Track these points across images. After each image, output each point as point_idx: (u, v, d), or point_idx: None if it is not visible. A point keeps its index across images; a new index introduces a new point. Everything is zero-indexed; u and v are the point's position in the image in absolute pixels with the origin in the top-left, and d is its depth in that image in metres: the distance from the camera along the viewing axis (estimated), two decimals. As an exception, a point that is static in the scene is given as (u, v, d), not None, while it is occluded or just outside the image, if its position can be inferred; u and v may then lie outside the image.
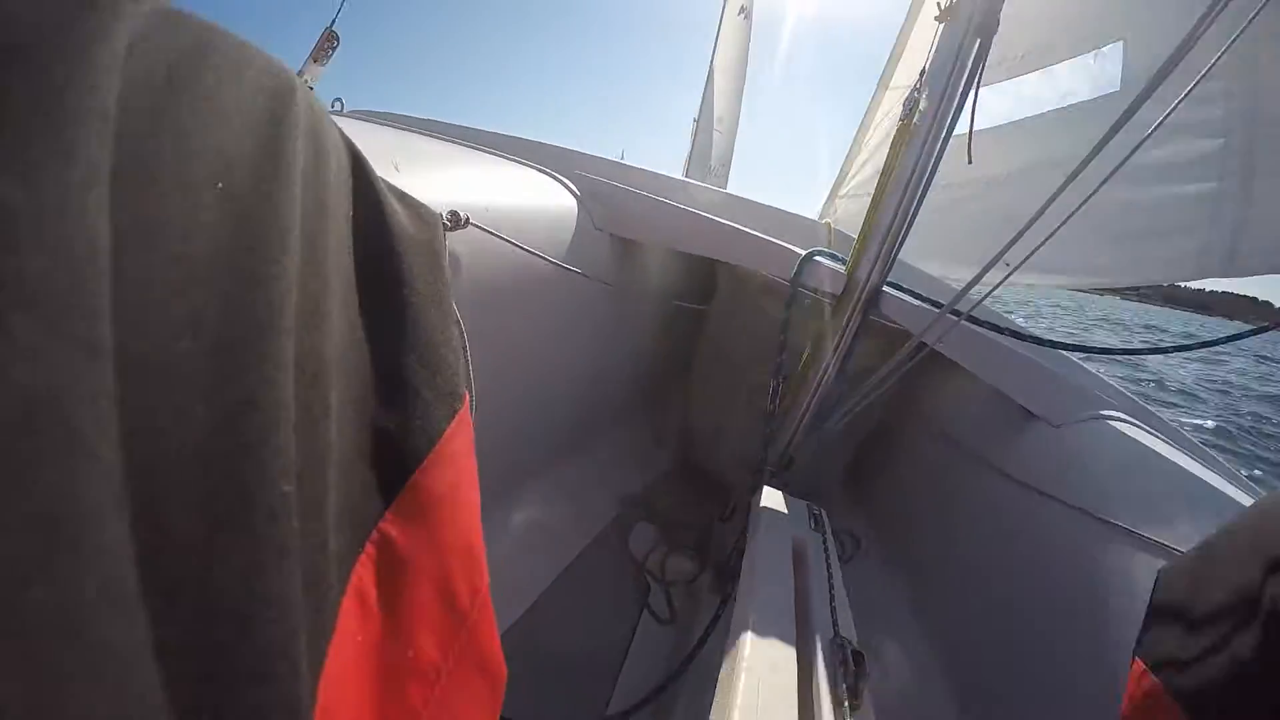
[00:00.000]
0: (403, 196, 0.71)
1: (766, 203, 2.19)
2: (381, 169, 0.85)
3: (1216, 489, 1.35)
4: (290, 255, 0.45)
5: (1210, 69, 1.36)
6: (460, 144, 1.78)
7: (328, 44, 1.76)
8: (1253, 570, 0.70)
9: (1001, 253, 1.36)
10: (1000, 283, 1.45)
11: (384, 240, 0.62)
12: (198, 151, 0.40)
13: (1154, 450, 1.47)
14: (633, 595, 1.69)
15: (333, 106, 2.03)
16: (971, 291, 1.40)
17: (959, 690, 1.51)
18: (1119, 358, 1.81)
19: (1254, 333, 1.36)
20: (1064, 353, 1.95)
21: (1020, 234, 1.35)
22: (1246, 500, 1.34)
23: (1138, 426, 1.67)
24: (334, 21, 1.76)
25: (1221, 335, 1.39)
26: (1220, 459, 1.91)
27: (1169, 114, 1.35)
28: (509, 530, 1.56)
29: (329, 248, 0.52)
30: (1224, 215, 1.96)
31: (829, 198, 2.71)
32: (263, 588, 0.38)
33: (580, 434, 1.96)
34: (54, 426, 0.28)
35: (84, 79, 0.31)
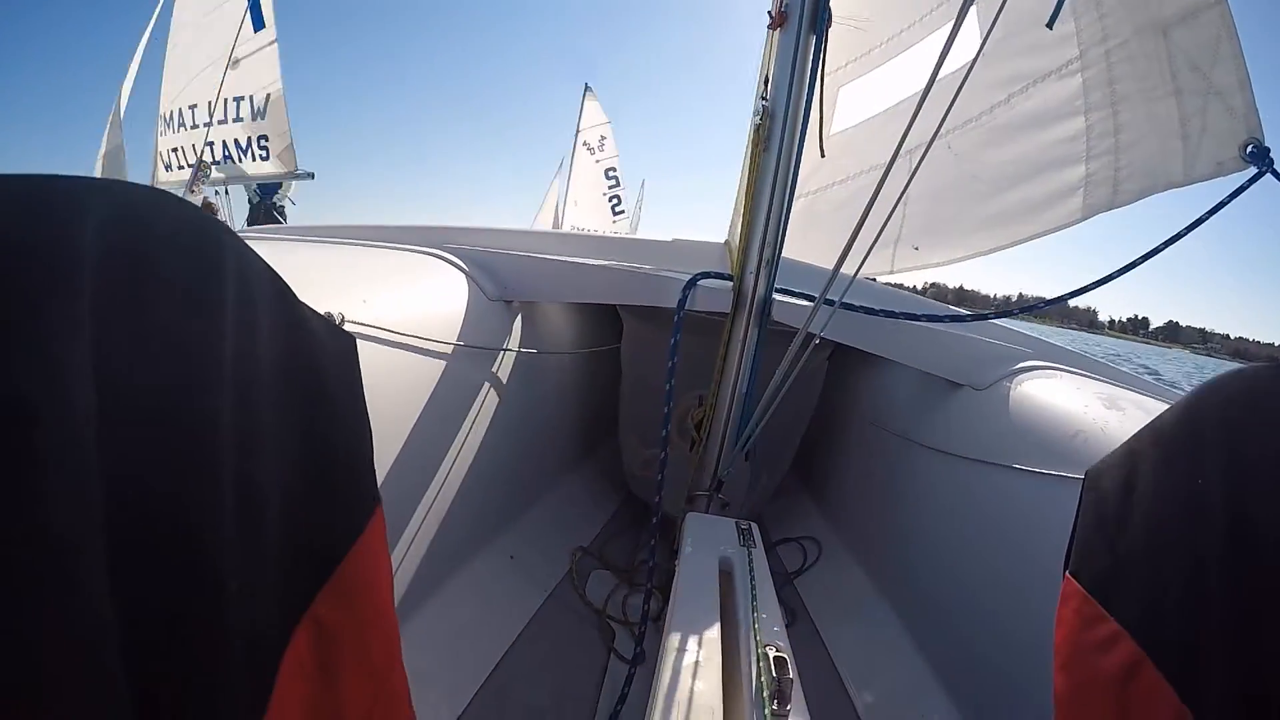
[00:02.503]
0: (320, 317, 0.77)
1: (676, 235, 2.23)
2: None
3: (1148, 415, 1.36)
4: (223, 395, 0.55)
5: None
6: (340, 242, 1.82)
7: (200, 173, 1.81)
8: (1189, 455, 0.69)
9: (854, 233, 1.38)
10: (862, 262, 1.48)
11: (307, 361, 0.71)
12: (150, 324, 0.50)
13: (1080, 394, 1.48)
14: (597, 642, 1.68)
15: None
16: (841, 277, 1.42)
17: (935, 664, 1.51)
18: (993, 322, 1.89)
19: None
20: (981, 317, 1.98)
21: (867, 210, 1.38)
22: None
23: (1064, 372, 1.69)
24: (201, 153, 1.82)
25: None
26: (1155, 381, 1.92)
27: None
28: (463, 602, 1.55)
29: (260, 377, 0.61)
30: (1098, 148, 2.00)
31: (733, 216, 2.76)
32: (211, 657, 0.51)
33: (521, 497, 1.97)
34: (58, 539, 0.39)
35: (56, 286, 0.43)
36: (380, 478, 1.21)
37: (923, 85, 2.52)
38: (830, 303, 1.45)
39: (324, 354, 0.74)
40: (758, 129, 1.55)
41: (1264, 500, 0.59)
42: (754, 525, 1.39)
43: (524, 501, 1.98)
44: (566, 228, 12.27)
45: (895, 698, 1.53)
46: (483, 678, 1.45)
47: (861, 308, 1.61)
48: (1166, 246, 1.60)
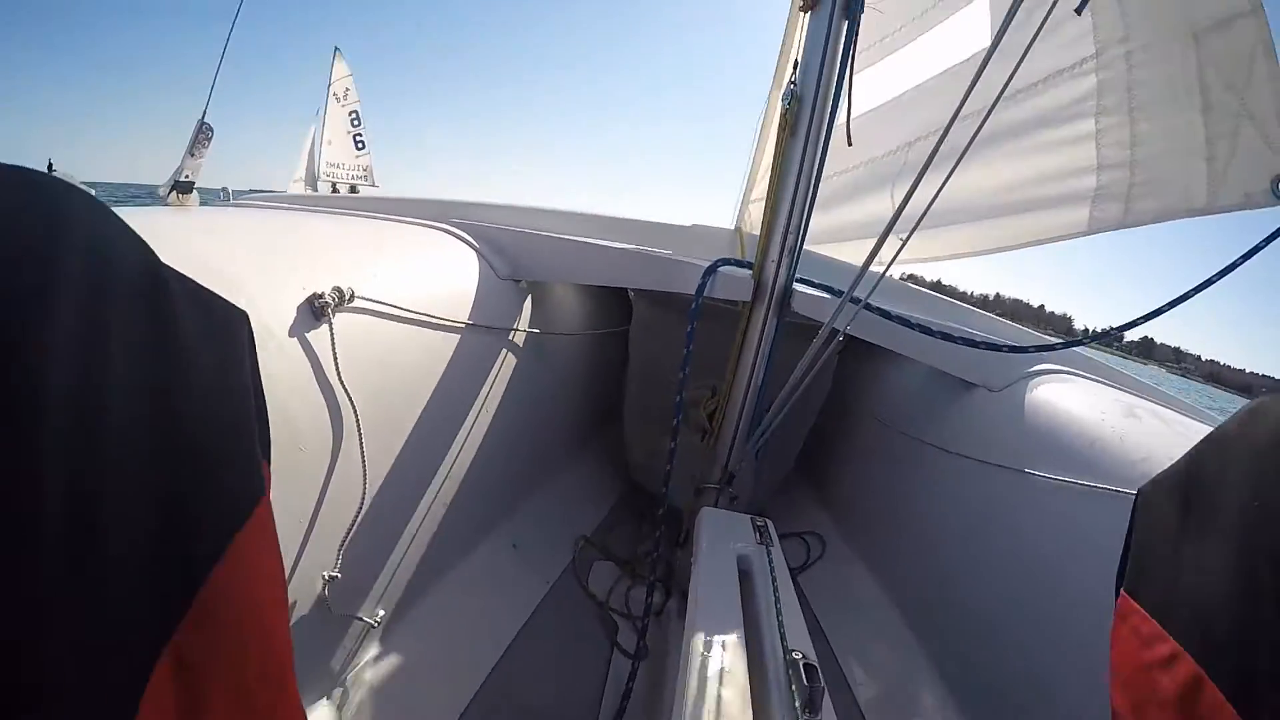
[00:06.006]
0: (197, 293, 0.67)
1: (677, 219, 2.19)
2: (259, 256, 1.00)
3: (1166, 426, 1.36)
4: (53, 388, 0.46)
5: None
6: (348, 213, 1.75)
7: (202, 136, 1.73)
8: (1245, 479, 0.68)
9: (888, 230, 1.35)
10: (893, 259, 1.45)
11: (166, 355, 0.60)
12: None
13: (1098, 401, 1.47)
14: (600, 635, 1.64)
15: (220, 196, 2.01)
16: (870, 273, 1.39)
17: (938, 662, 1.50)
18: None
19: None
20: (995, 317, 1.95)
21: (901, 207, 1.34)
22: (1201, 430, 1.32)
23: (1081, 378, 1.67)
24: (205, 113, 1.73)
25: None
26: (1171, 393, 1.91)
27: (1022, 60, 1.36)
28: (466, 591, 1.51)
29: (110, 370, 0.52)
30: (1111, 158, 1.93)
31: (741, 203, 2.71)
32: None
33: (524, 483, 1.92)
34: None
35: None
36: (386, 461, 1.18)
37: (931, 75, 2.48)
38: (856, 301, 1.42)
39: (188, 332, 0.64)
40: (784, 114, 1.50)
41: None
42: (769, 523, 1.36)
43: (527, 488, 1.94)
44: (321, 164, 15.60)
45: (898, 695, 1.53)
46: (487, 670, 1.42)
47: (885, 311, 1.58)
48: (1202, 289, 1.39)
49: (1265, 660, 0.60)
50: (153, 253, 0.60)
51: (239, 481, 0.68)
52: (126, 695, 0.50)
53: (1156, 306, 1.45)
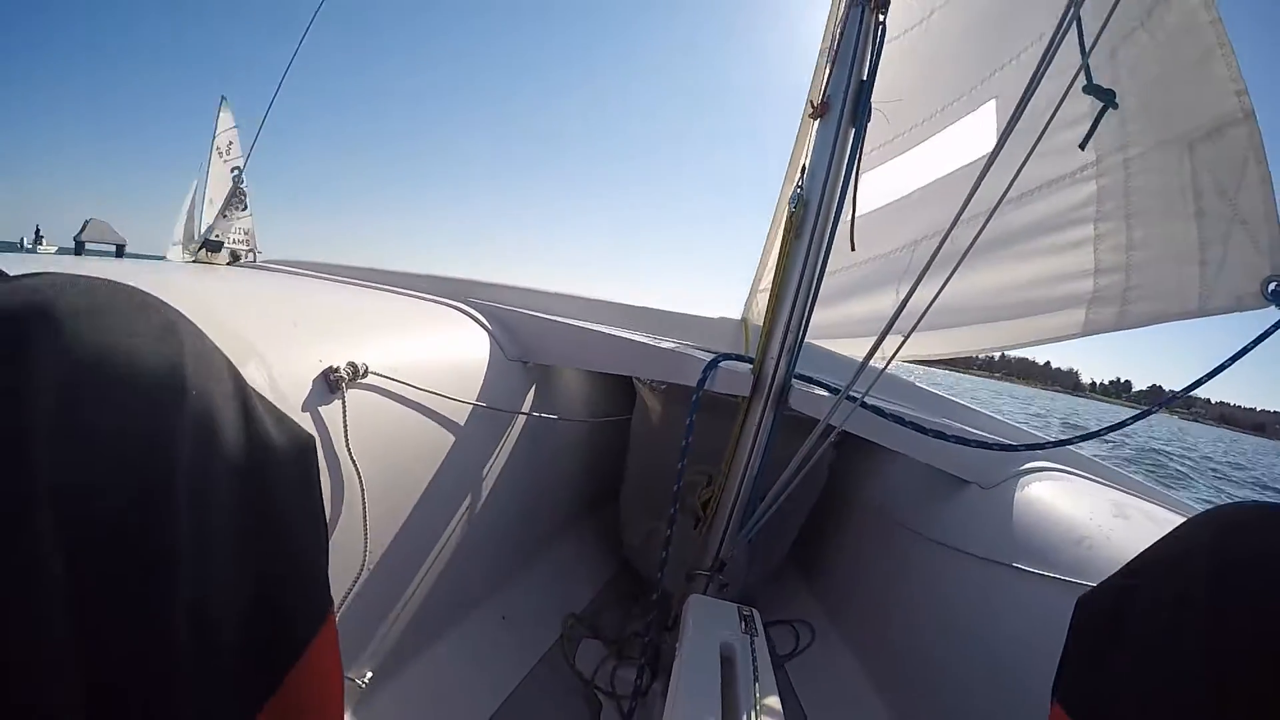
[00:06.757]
0: (279, 418, 0.75)
1: (684, 308, 2.26)
2: (280, 325, 1.02)
3: (1155, 525, 1.37)
4: (177, 508, 0.54)
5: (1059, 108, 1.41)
6: (367, 286, 1.82)
7: (236, 199, 1.82)
8: (1179, 588, 0.68)
9: (887, 329, 1.40)
10: (892, 357, 1.49)
11: (258, 471, 0.68)
12: (103, 434, 0.50)
13: (1088, 499, 1.49)
14: (584, 713, 1.65)
15: (246, 257, 2.10)
16: (868, 370, 1.43)
17: None
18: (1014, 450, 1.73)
19: (1140, 416, 1.44)
20: (991, 414, 1.98)
21: (901, 307, 1.39)
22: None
23: (1073, 475, 1.69)
24: (241, 176, 1.83)
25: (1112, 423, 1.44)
26: (1162, 489, 1.92)
27: (1029, 157, 1.41)
28: (454, 660, 1.53)
29: (212, 484, 0.60)
30: (1107, 262, 1.98)
31: (750, 294, 2.76)
32: None
33: (518, 559, 1.95)
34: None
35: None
36: (388, 530, 1.23)
37: (935, 178, 2.56)
38: (852, 399, 1.46)
39: (279, 457, 0.72)
40: (790, 217, 1.56)
41: (1241, 646, 0.60)
42: (755, 612, 1.39)
43: (521, 563, 1.97)
44: (202, 225, 14.63)
45: None
46: None
47: (879, 409, 1.62)
48: (1191, 390, 1.41)
49: None
50: (242, 377, 0.67)
51: (316, 592, 0.77)
52: None
53: (1138, 411, 1.51)
